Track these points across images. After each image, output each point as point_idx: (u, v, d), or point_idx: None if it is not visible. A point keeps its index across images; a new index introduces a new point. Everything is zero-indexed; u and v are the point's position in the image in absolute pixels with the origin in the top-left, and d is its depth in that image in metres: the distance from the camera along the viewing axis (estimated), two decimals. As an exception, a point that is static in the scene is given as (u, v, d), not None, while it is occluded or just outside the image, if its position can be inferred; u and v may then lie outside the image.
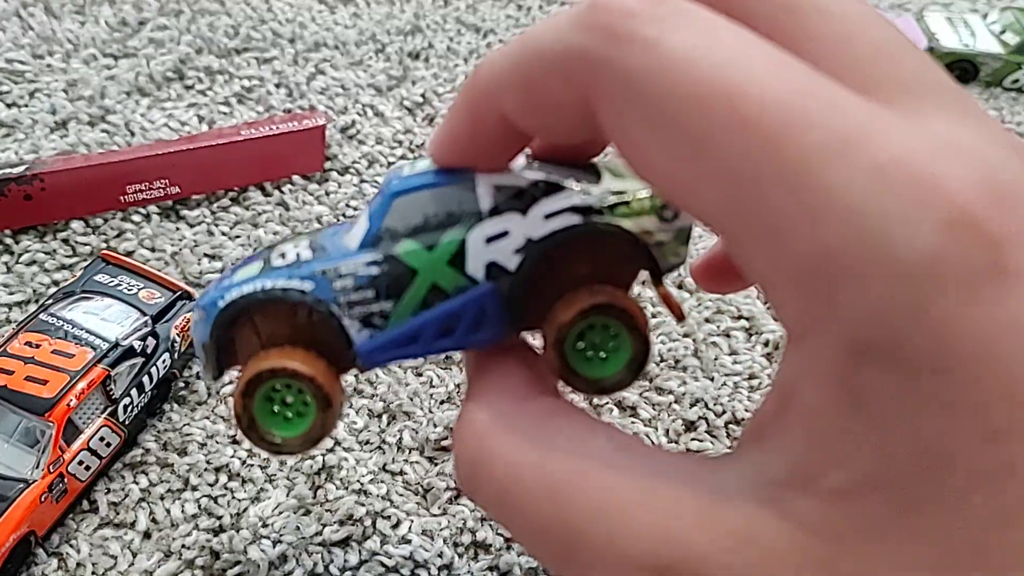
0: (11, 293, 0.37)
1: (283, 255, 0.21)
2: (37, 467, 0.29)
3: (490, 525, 0.32)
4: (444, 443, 0.34)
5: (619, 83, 0.16)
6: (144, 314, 0.33)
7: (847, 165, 0.13)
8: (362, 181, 0.46)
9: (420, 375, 0.37)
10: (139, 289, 0.35)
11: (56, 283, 0.37)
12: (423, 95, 0.53)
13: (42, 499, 0.29)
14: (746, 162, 0.14)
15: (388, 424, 0.35)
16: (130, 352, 0.32)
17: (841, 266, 0.14)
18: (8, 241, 0.39)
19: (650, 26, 0.15)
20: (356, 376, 0.36)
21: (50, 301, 0.33)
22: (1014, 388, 0.13)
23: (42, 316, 0.32)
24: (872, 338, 0.13)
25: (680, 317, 0.21)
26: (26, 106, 0.46)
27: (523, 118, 0.18)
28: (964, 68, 0.69)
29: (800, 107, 0.14)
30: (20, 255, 0.38)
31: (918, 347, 0.13)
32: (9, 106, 0.46)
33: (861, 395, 0.14)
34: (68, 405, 0.29)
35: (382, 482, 0.33)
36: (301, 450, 0.21)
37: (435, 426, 0.35)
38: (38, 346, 0.31)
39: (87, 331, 0.32)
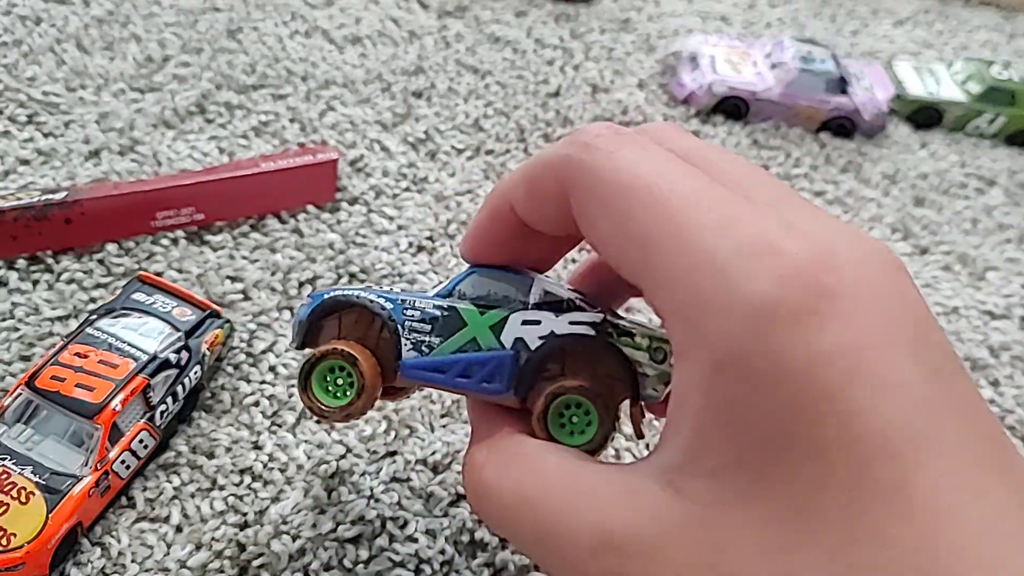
0: (53, 308, 0.40)
1: (381, 286, 0.28)
2: (86, 465, 0.32)
3: (487, 526, 0.36)
4: (445, 460, 0.38)
5: (585, 176, 0.23)
6: (178, 330, 0.37)
7: (719, 237, 0.19)
8: (370, 211, 0.50)
9: (421, 389, 0.41)
10: (173, 307, 0.38)
11: (93, 300, 0.41)
12: (426, 132, 0.57)
13: (90, 494, 0.32)
14: (653, 231, 0.21)
15: (395, 437, 0.38)
16: (166, 364, 0.35)
17: (707, 306, 0.19)
18: (49, 261, 0.42)
19: (611, 144, 0.23)
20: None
21: (94, 317, 0.37)
22: (826, 395, 0.18)
23: (88, 330, 0.35)
24: (727, 358, 0.19)
25: (640, 436, 0.27)
26: (62, 136, 0.49)
27: (525, 209, 0.25)
28: (929, 114, 0.74)
29: (694, 198, 0.20)
30: (60, 274, 0.42)
31: (759, 365, 0.18)
32: (46, 135, 0.49)
33: (722, 400, 0.19)
34: (114, 410, 0.33)
35: (392, 490, 0.36)
36: (337, 419, 0.27)
37: (438, 442, 0.38)
38: (86, 357, 0.34)
39: (128, 344, 0.35)
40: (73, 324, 0.40)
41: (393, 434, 0.38)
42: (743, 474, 0.19)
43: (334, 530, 0.34)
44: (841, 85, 0.68)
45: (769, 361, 0.18)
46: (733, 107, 0.67)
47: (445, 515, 0.36)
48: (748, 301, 0.18)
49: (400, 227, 0.50)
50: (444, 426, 0.40)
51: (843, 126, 0.68)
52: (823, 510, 0.18)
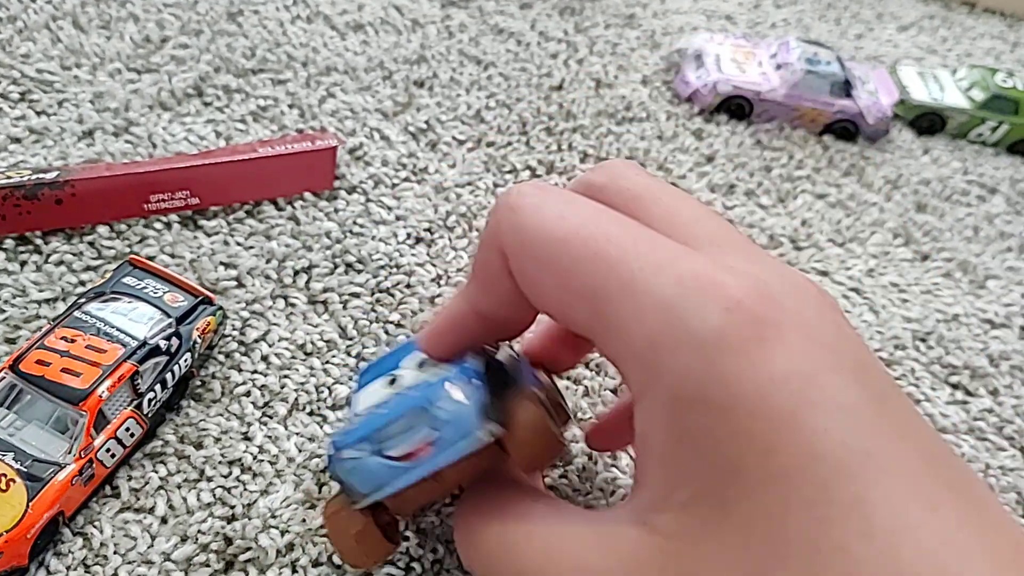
0: (41, 291, 0.39)
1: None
2: (69, 452, 0.31)
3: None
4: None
5: (516, 234, 0.23)
6: (169, 316, 0.36)
7: (662, 278, 0.20)
8: (368, 201, 0.49)
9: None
10: (164, 293, 0.37)
11: (83, 283, 0.40)
12: (427, 122, 0.56)
13: (73, 482, 0.31)
14: (598, 282, 0.21)
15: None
16: (156, 350, 0.35)
17: (659, 344, 0.20)
18: (38, 242, 0.41)
19: (536, 200, 0.23)
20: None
21: (83, 300, 0.36)
22: (780, 418, 0.18)
23: (76, 313, 0.35)
24: (683, 391, 0.19)
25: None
26: (55, 114, 0.48)
27: (484, 302, 0.26)
28: (932, 120, 0.73)
29: (631, 244, 0.21)
30: (49, 255, 0.41)
31: (713, 394, 0.19)
32: (39, 114, 0.48)
33: (683, 432, 0.20)
34: (100, 396, 0.32)
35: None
36: None
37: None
38: (73, 341, 0.33)
39: (117, 329, 0.34)
40: (61, 307, 0.39)
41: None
42: (708, 503, 0.19)
43: (324, 525, 0.34)
44: (846, 88, 0.67)
45: (722, 389, 0.19)
46: (737, 106, 0.66)
47: (436, 513, 0.35)
48: (697, 334, 0.19)
49: (399, 217, 0.49)
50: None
51: (847, 129, 0.68)
52: (787, 532, 0.18)
